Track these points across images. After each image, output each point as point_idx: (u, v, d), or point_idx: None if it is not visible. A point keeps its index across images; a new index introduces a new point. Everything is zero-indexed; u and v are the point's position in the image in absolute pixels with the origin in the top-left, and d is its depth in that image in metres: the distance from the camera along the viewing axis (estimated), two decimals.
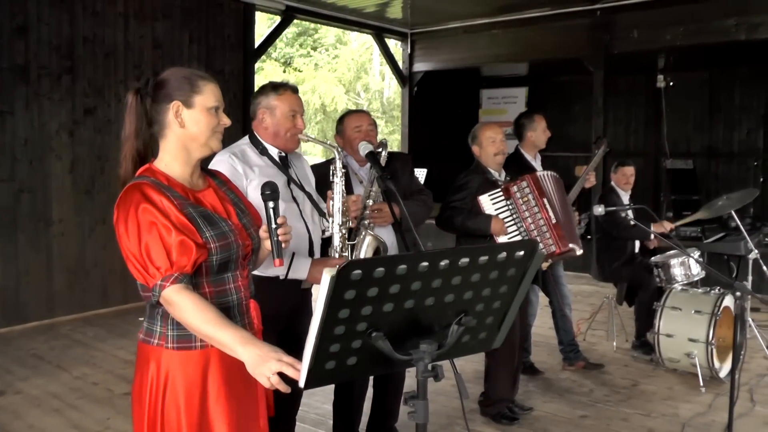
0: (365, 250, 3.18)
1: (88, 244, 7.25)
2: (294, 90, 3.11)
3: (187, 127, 2.10)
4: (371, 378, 3.91)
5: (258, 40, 9.19)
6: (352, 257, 3.16)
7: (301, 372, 1.68)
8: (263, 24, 16.70)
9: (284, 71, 24.32)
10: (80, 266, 7.21)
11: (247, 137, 3.12)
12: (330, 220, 3.07)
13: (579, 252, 4.29)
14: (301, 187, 3.10)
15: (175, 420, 2.04)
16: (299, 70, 24.73)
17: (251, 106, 3.13)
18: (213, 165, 2.88)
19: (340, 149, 3.14)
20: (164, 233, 1.95)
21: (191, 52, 8.12)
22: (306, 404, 4.58)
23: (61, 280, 7.06)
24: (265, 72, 22.69)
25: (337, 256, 3.02)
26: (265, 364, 1.80)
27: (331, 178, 3.10)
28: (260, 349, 1.84)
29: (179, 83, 2.11)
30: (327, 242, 3.16)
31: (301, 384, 1.68)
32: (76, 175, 7.15)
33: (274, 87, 3.09)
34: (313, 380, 1.68)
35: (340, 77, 24.27)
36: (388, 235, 3.50)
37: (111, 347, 6.02)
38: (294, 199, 3.03)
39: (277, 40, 17.28)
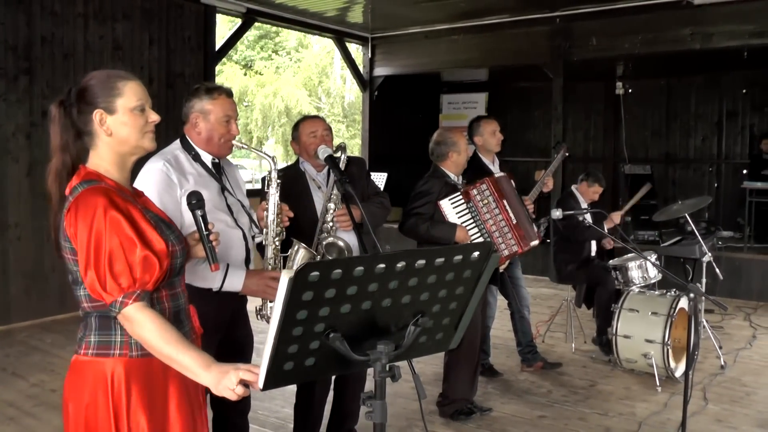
0: (298, 262, 3.11)
1: (47, 249, 7.09)
2: (229, 94, 2.98)
3: (115, 134, 2.03)
4: (332, 380, 3.93)
5: (219, 42, 9.14)
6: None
7: (259, 374, 1.69)
8: (224, 26, 16.60)
9: (245, 74, 24.18)
10: (38, 271, 7.08)
11: (178, 141, 2.98)
12: (264, 231, 2.98)
13: (536, 243, 4.44)
14: (234, 195, 3.02)
15: (143, 428, 2.01)
16: (260, 73, 24.61)
17: (183, 108, 2.98)
18: (145, 171, 2.75)
19: (273, 158, 3.05)
20: (128, 248, 1.90)
21: (151, 53, 8.04)
22: (266, 408, 4.58)
23: (17, 285, 6.92)
24: (226, 74, 22.54)
25: (270, 268, 2.95)
26: (227, 378, 1.81)
27: (266, 188, 3.00)
28: (219, 368, 1.85)
29: (99, 89, 2.03)
30: (259, 248, 3.09)
31: (260, 386, 1.69)
32: (33, 178, 6.99)
33: (208, 90, 2.94)
34: (272, 381, 1.69)
35: (302, 81, 24.21)
36: (350, 238, 3.52)
37: (70, 353, 5.83)
38: (228, 207, 2.94)
39: (239, 43, 17.20)
